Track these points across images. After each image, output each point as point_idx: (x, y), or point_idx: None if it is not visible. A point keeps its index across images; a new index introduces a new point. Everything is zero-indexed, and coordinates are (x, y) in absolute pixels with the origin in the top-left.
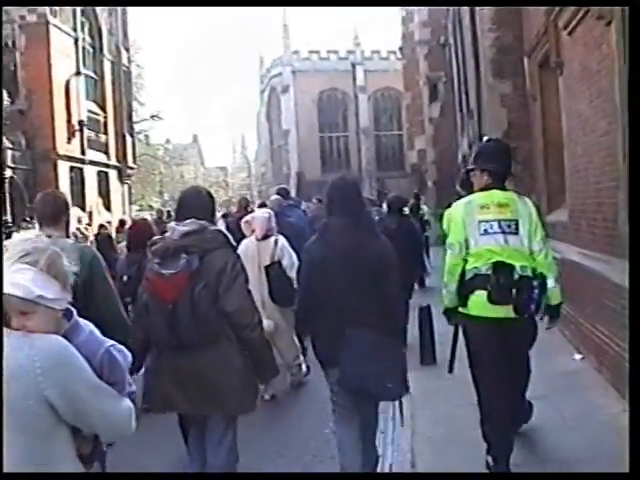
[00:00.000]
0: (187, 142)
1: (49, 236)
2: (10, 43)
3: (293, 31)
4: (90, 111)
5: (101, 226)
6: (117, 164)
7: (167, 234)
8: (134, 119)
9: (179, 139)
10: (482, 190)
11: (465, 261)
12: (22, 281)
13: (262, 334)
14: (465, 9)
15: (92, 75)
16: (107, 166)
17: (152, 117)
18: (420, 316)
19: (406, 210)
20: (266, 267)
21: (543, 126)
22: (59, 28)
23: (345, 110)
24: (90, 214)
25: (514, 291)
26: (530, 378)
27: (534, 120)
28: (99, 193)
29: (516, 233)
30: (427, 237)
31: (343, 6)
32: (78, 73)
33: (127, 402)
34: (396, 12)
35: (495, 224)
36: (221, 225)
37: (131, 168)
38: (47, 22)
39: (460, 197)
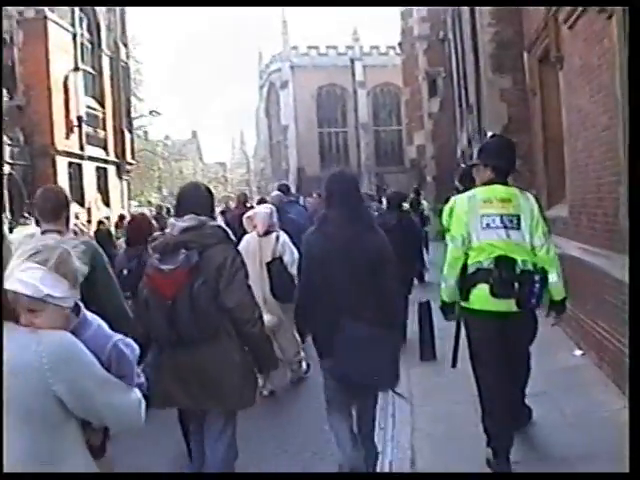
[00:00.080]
0: (186, 138)
1: (52, 231)
2: (8, 39)
3: (292, 27)
4: (89, 107)
5: (100, 222)
6: (116, 160)
7: (167, 230)
8: (133, 115)
9: (178, 135)
10: (485, 185)
11: (466, 255)
12: (31, 280)
13: (262, 329)
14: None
15: (90, 71)
16: (106, 162)
17: (151, 113)
18: (420, 311)
19: (406, 205)
20: (267, 263)
21: (543, 121)
22: (57, 23)
23: (344, 105)
24: (89, 210)
25: (516, 285)
26: (530, 374)
27: (534, 115)
28: (98, 189)
29: (518, 228)
30: (427, 232)
31: (342, 6)
32: (76, 69)
33: (136, 394)
34: (395, 7)
35: (497, 219)
36: (220, 221)
37: (130, 164)
38: (45, 17)
39: (459, 192)
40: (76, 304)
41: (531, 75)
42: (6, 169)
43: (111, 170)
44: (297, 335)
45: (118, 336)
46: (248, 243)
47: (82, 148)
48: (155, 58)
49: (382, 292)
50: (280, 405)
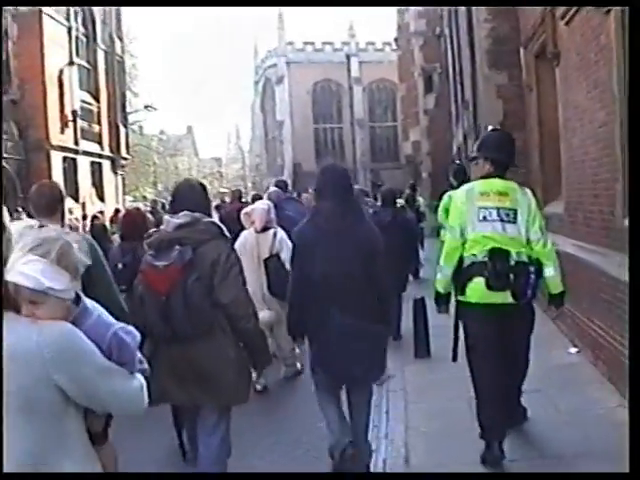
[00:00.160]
0: (181, 133)
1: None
2: (2, 32)
3: (288, 22)
4: (83, 101)
5: (95, 217)
6: (110, 155)
7: (162, 227)
8: (128, 109)
9: (173, 130)
10: (484, 178)
11: (463, 247)
12: (32, 272)
13: (257, 325)
14: None
15: (85, 65)
16: (100, 156)
17: (146, 107)
18: (414, 308)
19: (401, 202)
20: (265, 260)
21: (539, 117)
22: (52, 17)
23: (340, 101)
24: (83, 205)
25: (511, 277)
26: (528, 369)
27: (530, 111)
28: (92, 184)
29: (514, 222)
30: (422, 229)
31: (340, 6)
32: (71, 63)
33: (138, 380)
34: (392, 7)
35: (494, 212)
36: (215, 215)
37: (125, 159)
38: (40, 11)
39: (453, 188)
40: (76, 294)
41: (527, 71)
42: None
43: (106, 165)
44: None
45: (118, 324)
46: (246, 239)
47: (77, 143)
48: (151, 53)
49: (373, 283)
50: (276, 401)
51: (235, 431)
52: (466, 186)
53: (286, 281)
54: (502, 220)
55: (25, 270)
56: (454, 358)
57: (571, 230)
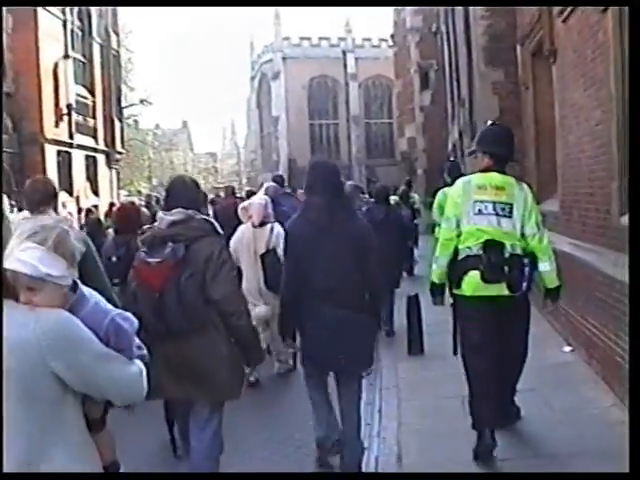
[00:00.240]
0: (177, 127)
1: None
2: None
3: (284, 17)
4: (78, 95)
5: (89, 210)
6: (105, 149)
7: (156, 223)
8: (123, 104)
9: (169, 124)
10: (482, 172)
11: (458, 238)
12: (30, 259)
13: (249, 321)
14: None
15: (81, 58)
16: (95, 150)
17: (141, 102)
18: (408, 305)
19: (395, 198)
20: (261, 255)
21: (535, 115)
22: (47, 10)
23: (335, 97)
24: (77, 198)
25: (506, 269)
26: (525, 363)
27: (526, 108)
28: (87, 178)
29: (510, 217)
30: (417, 225)
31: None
32: (66, 56)
33: (137, 365)
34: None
35: (490, 205)
36: (209, 209)
37: (120, 153)
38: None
39: (446, 185)
40: (74, 282)
41: (524, 68)
42: None
43: (100, 159)
44: None
45: (116, 311)
46: (243, 234)
47: (71, 136)
48: (147, 47)
49: (365, 278)
50: (269, 397)
51: (228, 427)
52: (464, 178)
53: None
54: (497, 214)
55: (23, 257)
56: (455, 351)
57: (566, 228)
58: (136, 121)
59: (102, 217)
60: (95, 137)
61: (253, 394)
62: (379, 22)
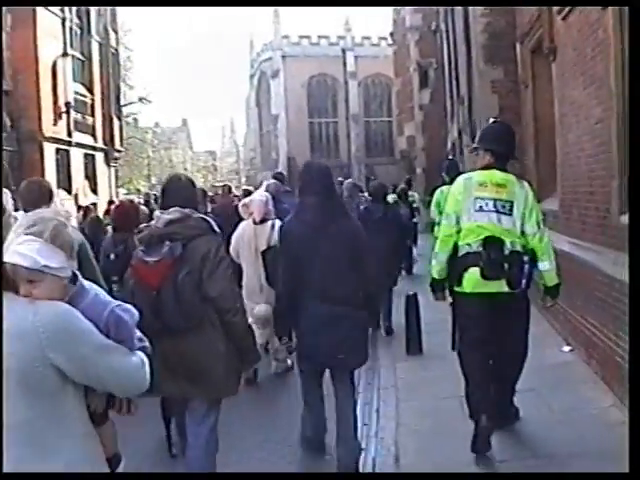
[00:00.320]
0: (176, 126)
1: None
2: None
3: (284, 16)
4: (77, 93)
5: (88, 208)
6: (104, 147)
7: (152, 222)
8: (122, 102)
9: (168, 123)
10: (483, 169)
11: (458, 235)
12: (28, 252)
13: (244, 319)
14: None
15: (79, 56)
16: (94, 149)
17: (140, 100)
18: (407, 304)
19: (394, 197)
20: (263, 252)
21: (534, 113)
22: (46, 8)
23: (335, 96)
24: (76, 197)
25: (506, 266)
26: (525, 361)
27: (525, 107)
28: (85, 176)
29: (510, 214)
30: (416, 224)
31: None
32: (65, 54)
33: (138, 356)
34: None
35: (491, 202)
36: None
37: (118, 151)
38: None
39: (445, 183)
40: (73, 273)
41: (523, 66)
42: None
43: (99, 157)
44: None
45: (115, 302)
46: (244, 230)
47: (70, 134)
48: (146, 45)
49: (359, 276)
50: (267, 398)
51: (226, 427)
52: (465, 175)
53: None
54: (498, 211)
55: (21, 250)
56: (453, 346)
57: (566, 227)
58: (135, 119)
59: (101, 215)
60: (94, 135)
61: (251, 394)
62: (378, 20)
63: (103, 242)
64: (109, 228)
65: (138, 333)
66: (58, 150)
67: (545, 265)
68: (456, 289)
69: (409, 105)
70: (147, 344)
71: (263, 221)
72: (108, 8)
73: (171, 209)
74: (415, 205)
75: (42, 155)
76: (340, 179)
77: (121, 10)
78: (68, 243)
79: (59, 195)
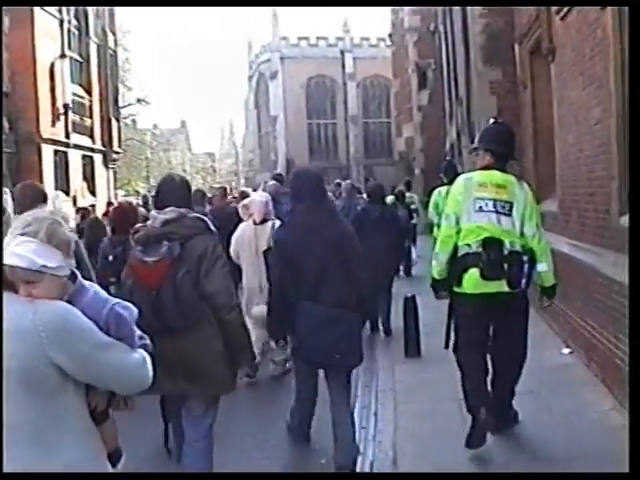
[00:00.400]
0: (175, 127)
1: None
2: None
3: (282, 17)
4: (75, 94)
5: (86, 210)
6: (102, 148)
7: (149, 222)
8: (121, 103)
9: (167, 124)
10: (483, 169)
11: (458, 235)
12: (25, 252)
13: (239, 316)
14: None
15: (77, 58)
16: (92, 150)
17: (139, 101)
18: (405, 306)
19: (392, 198)
20: (264, 252)
21: (533, 114)
22: (44, 9)
23: (333, 97)
24: (74, 198)
25: (505, 266)
26: (525, 361)
27: (524, 108)
28: (84, 177)
29: (509, 215)
30: (415, 225)
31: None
32: (63, 56)
33: (139, 354)
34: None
35: (490, 203)
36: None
37: (117, 152)
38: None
39: (443, 184)
40: (72, 272)
41: (522, 67)
42: None
43: (97, 159)
44: None
45: (115, 300)
46: (243, 231)
47: (68, 136)
48: (144, 47)
49: (349, 276)
50: (267, 399)
51: (225, 427)
52: (465, 175)
53: None
54: (498, 212)
55: (18, 251)
56: (446, 345)
57: (565, 228)
58: (134, 121)
59: (100, 217)
60: (92, 137)
61: (251, 394)
62: (377, 22)
63: (101, 243)
64: (107, 229)
65: (138, 331)
66: (56, 152)
67: (543, 266)
68: (456, 289)
69: (408, 106)
70: (148, 342)
71: (263, 221)
72: (106, 9)
73: (167, 209)
74: (414, 206)
75: (40, 157)
76: (338, 180)
77: (119, 11)
78: (64, 241)
79: (59, 197)
